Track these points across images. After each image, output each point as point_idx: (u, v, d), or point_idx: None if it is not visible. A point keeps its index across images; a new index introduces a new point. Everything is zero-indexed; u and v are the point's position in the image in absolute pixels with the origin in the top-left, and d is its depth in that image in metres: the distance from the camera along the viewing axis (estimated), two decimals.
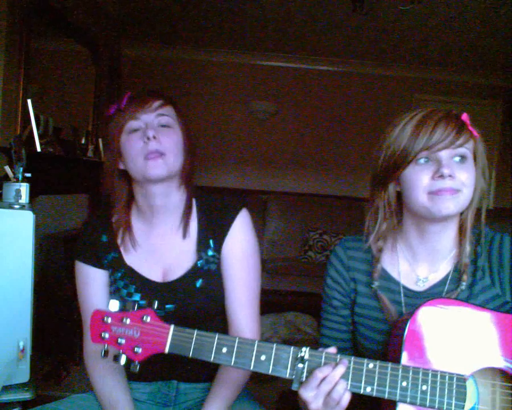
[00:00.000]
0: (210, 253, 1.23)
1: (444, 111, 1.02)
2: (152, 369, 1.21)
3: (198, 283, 1.21)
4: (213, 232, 1.23)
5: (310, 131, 5.06)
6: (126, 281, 1.22)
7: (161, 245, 1.24)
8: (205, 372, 1.25)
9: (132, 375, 1.22)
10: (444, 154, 0.99)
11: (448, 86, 5.02)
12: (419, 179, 1.00)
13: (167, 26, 4.34)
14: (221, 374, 1.20)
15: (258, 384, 2.32)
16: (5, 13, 2.49)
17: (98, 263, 1.24)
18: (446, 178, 0.97)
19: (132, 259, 1.24)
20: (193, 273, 1.21)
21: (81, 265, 1.25)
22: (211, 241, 1.23)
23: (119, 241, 1.24)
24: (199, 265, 1.22)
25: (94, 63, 3.76)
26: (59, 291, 2.74)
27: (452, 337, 0.92)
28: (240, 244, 1.23)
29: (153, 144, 1.13)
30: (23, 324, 1.69)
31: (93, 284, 1.24)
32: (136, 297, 1.21)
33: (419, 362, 0.91)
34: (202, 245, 1.23)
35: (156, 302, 0.95)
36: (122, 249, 1.24)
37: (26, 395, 1.65)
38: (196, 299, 1.20)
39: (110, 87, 4.02)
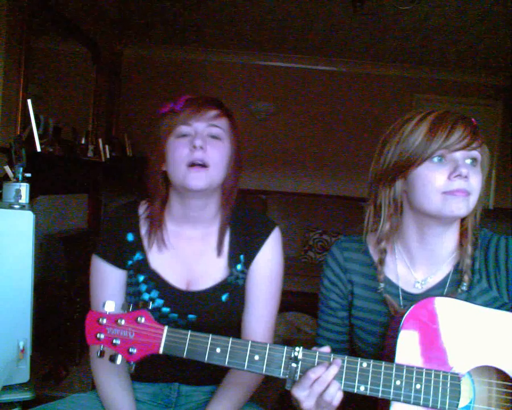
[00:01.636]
0: (239, 267, 1.22)
1: (458, 114, 1.01)
2: (154, 371, 1.21)
3: (224, 297, 1.20)
4: (244, 247, 1.22)
5: (310, 131, 5.05)
6: (149, 286, 1.18)
7: (189, 252, 1.21)
8: (207, 376, 1.23)
9: (135, 375, 1.20)
10: (459, 155, 0.99)
11: (448, 86, 5.01)
12: (434, 178, 0.98)
13: (167, 26, 4.33)
14: (229, 376, 1.19)
15: None
16: (5, 13, 2.50)
17: (119, 263, 1.19)
18: (462, 179, 0.97)
19: (158, 262, 1.20)
20: (221, 286, 1.20)
21: (99, 262, 1.20)
22: (241, 256, 1.22)
23: (145, 241, 1.20)
24: (229, 280, 1.20)
25: (94, 63, 3.76)
26: (59, 291, 2.74)
27: (448, 335, 0.92)
28: (270, 263, 1.23)
29: (199, 153, 1.10)
30: (23, 324, 1.68)
31: (110, 283, 1.19)
32: (159, 303, 1.17)
33: (415, 361, 0.91)
34: (233, 259, 1.22)
35: (151, 303, 0.95)
36: (147, 250, 1.20)
37: (26, 395, 1.64)
38: (220, 312, 1.19)
39: (110, 87, 4.03)
